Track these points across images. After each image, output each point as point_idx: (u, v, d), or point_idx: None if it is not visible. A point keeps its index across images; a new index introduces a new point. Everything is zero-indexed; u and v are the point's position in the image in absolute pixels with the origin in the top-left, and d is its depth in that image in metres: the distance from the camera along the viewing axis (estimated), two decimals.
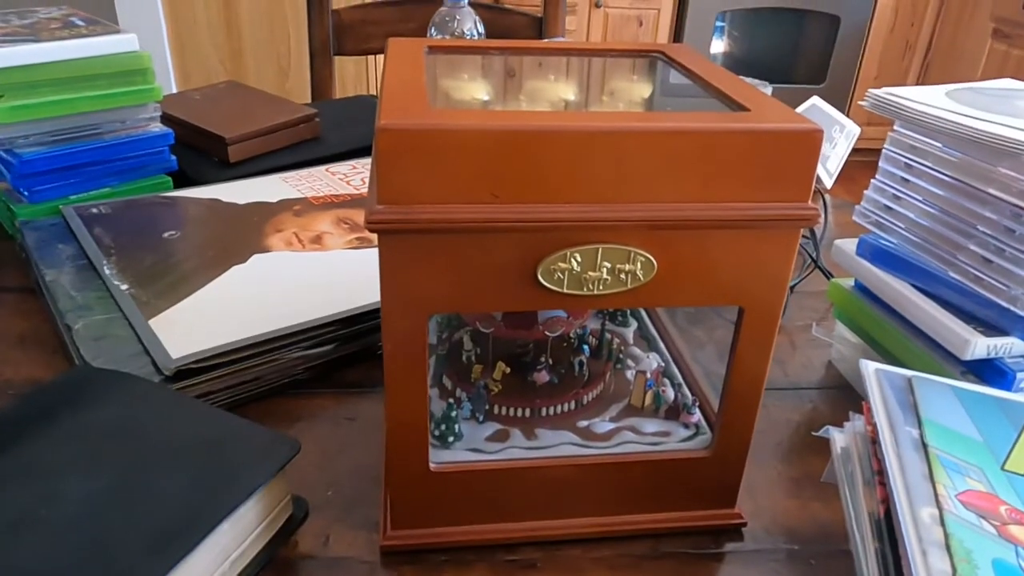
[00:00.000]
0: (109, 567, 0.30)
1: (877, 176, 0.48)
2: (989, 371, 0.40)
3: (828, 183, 0.84)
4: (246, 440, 0.37)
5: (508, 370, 0.40)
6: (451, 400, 0.39)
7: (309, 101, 1.01)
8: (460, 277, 0.31)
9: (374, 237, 0.54)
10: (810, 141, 0.30)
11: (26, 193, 0.63)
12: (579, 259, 0.31)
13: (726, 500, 0.39)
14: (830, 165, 0.83)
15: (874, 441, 0.32)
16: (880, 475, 0.30)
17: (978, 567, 0.26)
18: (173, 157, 0.71)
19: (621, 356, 0.44)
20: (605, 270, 0.31)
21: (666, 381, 0.42)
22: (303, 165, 0.76)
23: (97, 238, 0.59)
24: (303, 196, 0.69)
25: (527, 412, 0.39)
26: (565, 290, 0.31)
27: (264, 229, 0.62)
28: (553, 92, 0.40)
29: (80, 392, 0.39)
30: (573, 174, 0.29)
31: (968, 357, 0.40)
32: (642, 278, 0.31)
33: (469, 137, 0.28)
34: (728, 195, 0.30)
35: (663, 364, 0.44)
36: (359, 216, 0.65)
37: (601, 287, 0.31)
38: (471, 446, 0.38)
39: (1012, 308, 0.39)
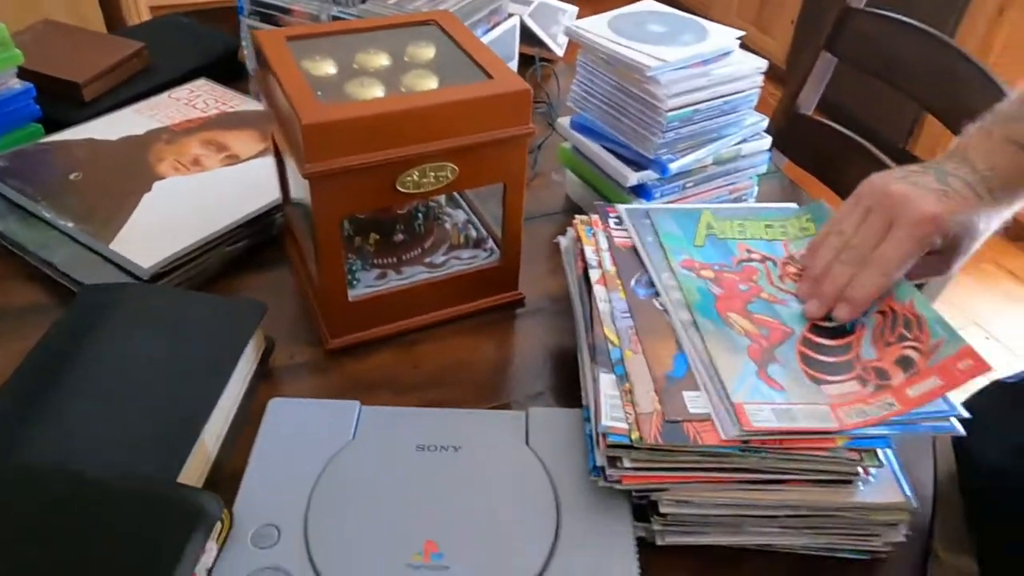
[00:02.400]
0: (185, 390, 0.54)
1: (575, 78, 0.77)
2: (642, 190, 0.73)
3: (559, 52, 1.13)
4: (232, 308, 0.61)
5: (378, 237, 0.67)
6: (350, 260, 0.65)
7: (104, 25, 1.10)
8: (357, 193, 0.56)
9: (241, 154, 0.76)
10: (525, 95, 0.58)
11: None
12: (416, 174, 0.57)
13: (512, 287, 0.70)
14: (560, 39, 1.12)
15: (578, 239, 0.63)
16: (580, 256, 0.61)
17: (691, 291, 0.55)
18: (37, 106, 0.84)
19: (440, 216, 0.72)
20: (431, 177, 0.58)
21: (469, 226, 0.71)
22: (146, 95, 0.92)
23: (18, 189, 0.74)
24: (164, 125, 0.86)
25: (394, 259, 0.67)
26: (411, 191, 0.58)
27: (148, 160, 0.81)
28: (375, 61, 0.63)
29: (105, 301, 0.60)
30: (408, 131, 0.55)
31: (628, 184, 0.72)
32: (450, 177, 0.59)
33: (352, 121, 0.53)
34: (488, 127, 0.58)
35: (467, 216, 0.72)
36: (222, 137, 0.84)
37: (429, 187, 0.58)
38: (367, 284, 0.65)
39: (646, 154, 0.71)
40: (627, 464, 0.47)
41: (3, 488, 0.44)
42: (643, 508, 0.49)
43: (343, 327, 0.64)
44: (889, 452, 0.49)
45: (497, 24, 0.94)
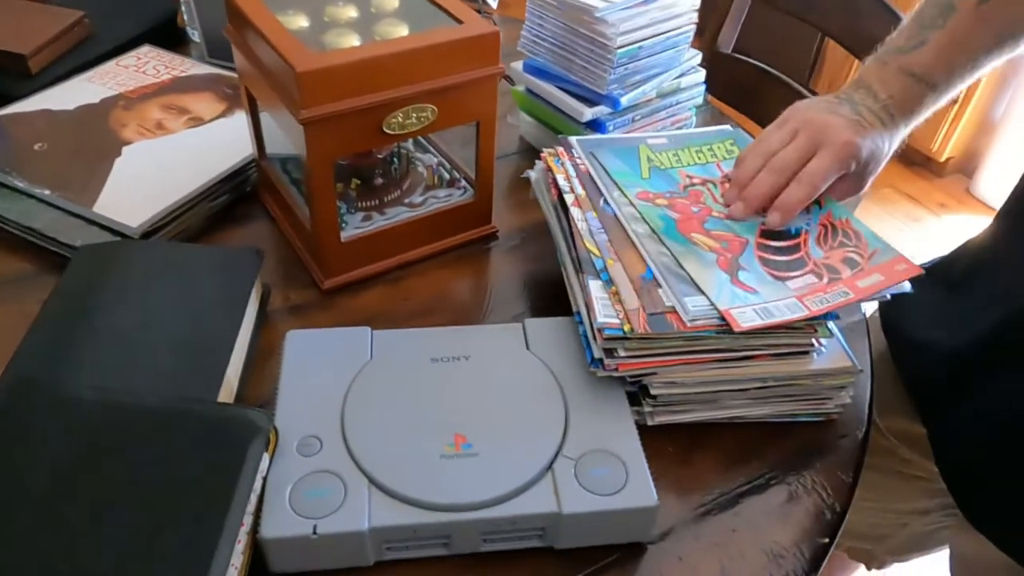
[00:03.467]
0: (203, 332, 0.58)
1: (525, 23, 0.82)
2: (596, 125, 0.79)
3: (494, 4, 1.17)
4: (230, 256, 0.65)
5: (359, 182, 0.71)
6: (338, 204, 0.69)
7: None
8: (347, 137, 0.61)
9: (204, 116, 0.78)
10: (493, 37, 0.63)
11: None
12: (401, 116, 0.62)
13: (486, 221, 0.75)
14: None
15: (548, 170, 0.69)
16: (553, 184, 0.67)
17: (654, 220, 0.61)
18: None
19: (413, 160, 0.76)
20: (414, 118, 0.63)
21: (441, 168, 0.76)
22: (93, 64, 0.91)
23: None
24: (118, 92, 0.87)
25: (377, 201, 0.71)
26: (396, 132, 0.62)
27: (111, 126, 0.81)
28: (345, 14, 0.67)
29: (105, 259, 0.63)
30: (393, 74, 0.59)
31: (583, 120, 0.78)
32: (431, 118, 0.63)
33: (342, 67, 0.57)
34: (463, 68, 0.63)
35: (438, 158, 0.77)
36: (181, 101, 0.86)
37: (412, 127, 0.63)
38: (355, 226, 0.69)
39: (598, 91, 0.77)
40: (622, 353, 0.54)
41: (49, 420, 0.47)
42: (634, 395, 0.56)
43: (336, 267, 0.68)
44: (835, 326, 0.58)
45: None
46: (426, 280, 0.71)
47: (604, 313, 0.54)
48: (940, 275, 0.71)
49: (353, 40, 0.63)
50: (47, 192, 0.72)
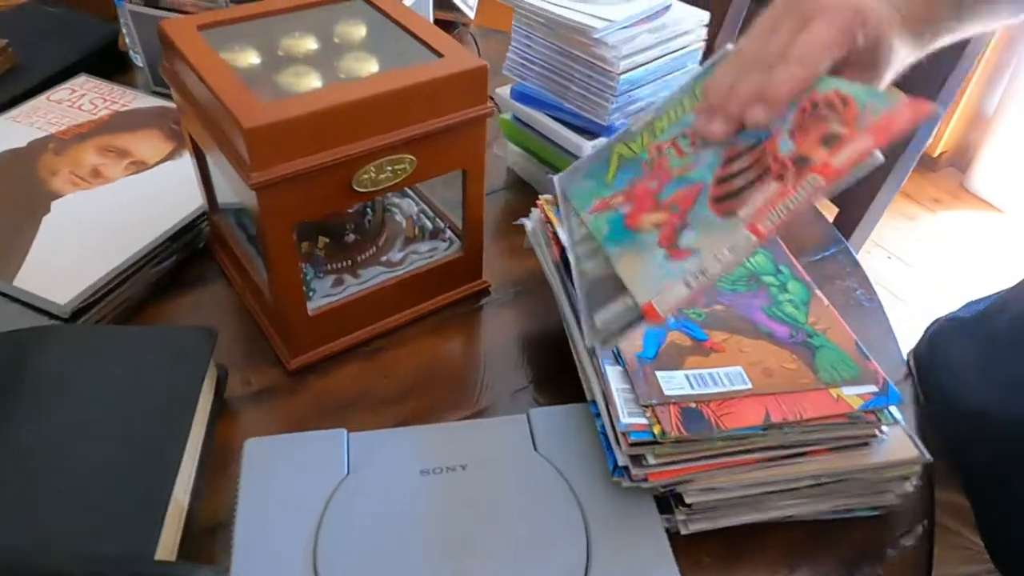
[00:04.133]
0: (144, 442, 0.48)
1: (512, 43, 0.72)
2: None
3: (471, 14, 1.07)
4: (177, 339, 0.54)
5: (327, 240, 0.61)
6: (302, 269, 0.59)
7: None
8: (310, 198, 0.51)
9: (148, 159, 0.68)
10: (481, 72, 0.53)
11: None
12: (373, 170, 0.52)
13: (476, 276, 0.66)
14: (471, 2, 1.06)
15: (547, 222, 0.59)
16: (554, 238, 0.58)
17: (600, 229, 0.49)
18: None
19: (390, 209, 0.66)
20: (389, 171, 0.53)
21: (422, 216, 0.66)
22: (20, 100, 0.80)
23: None
24: (48, 133, 0.76)
25: (349, 262, 0.61)
26: (369, 189, 0.53)
27: (39, 176, 0.71)
28: (303, 46, 0.57)
29: (25, 350, 0.52)
30: (363, 123, 0.49)
31: (583, 155, 0.69)
32: (409, 169, 0.54)
33: (300, 120, 0.47)
34: (446, 110, 0.53)
35: (418, 205, 0.67)
36: (121, 141, 0.75)
37: (387, 183, 0.53)
38: (324, 294, 0.59)
39: (599, 121, 0.68)
40: (652, 461, 0.44)
41: None
42: (664, 499, 0.47)
43: (304, 344, 0.58)
44: (897, 411, 0.49)
45: None
46: (409, 351, 0.61)
47: (628, 411, 0.45)
48: (984, 326, 0.62)
49: (313, 81, 0.53)
50: None
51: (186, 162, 0.73)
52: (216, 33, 0.56)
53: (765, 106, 0.44)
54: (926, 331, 0.73)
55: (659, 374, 0.47)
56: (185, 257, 0.66)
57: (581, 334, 0.52)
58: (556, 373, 0.59)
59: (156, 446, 0.48)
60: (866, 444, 0.48)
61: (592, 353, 0.50)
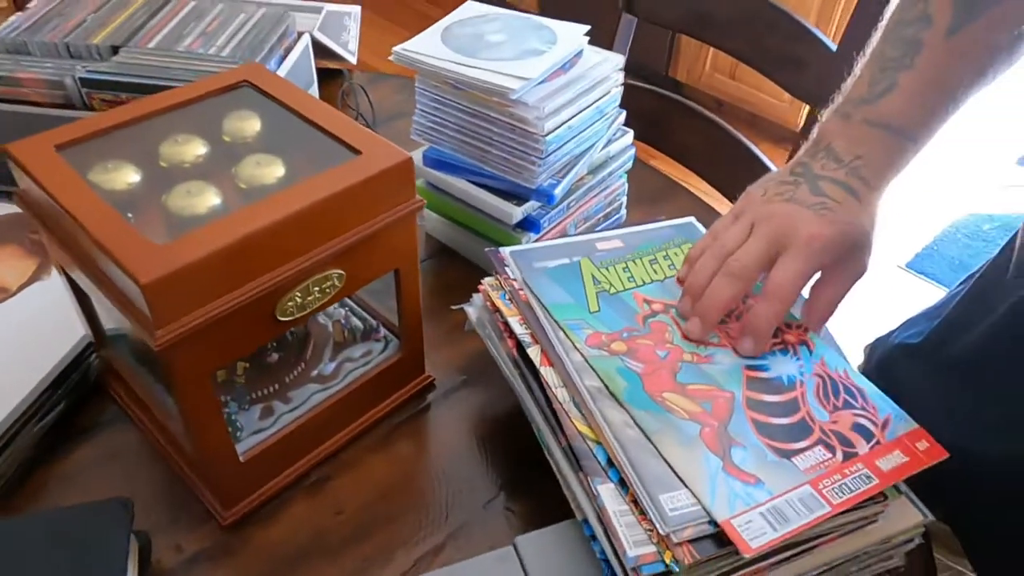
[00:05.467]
0: None
1: (417, 106, 0.66)
2: (528, 224, 0.65)
3: (353, 60, 1.00)
4: (82, 521, 0.45)
5: (247, 365, 0.53)
6: (224, 408, 0.51)
7: None
8: (228, 341, 0.43)
9: (10, 285, 0.59)
10: (407, 165, 0.47)
11: None
12: (299, 295, 0.45)
13: (419, 372, 0.59)
14: (351, 46, 0.99)
15: (495, 310, 0.54)
16: (506, 330, 0.52)
17: (613, 378, 0.47)
18: None
19: (314, 316, 0.59)
20: (316, 292, 0.46)
21: (351, 317, 0.59)
22: None
23: None
24: None
25: (276, 386, 0.54)
26: (295, 316, 0.45)
27: None
28: (189, 152, 0.49)
29: None
30: (284, 246, 0.42)
31: (514, 222, 0.64)
32: (338, 285, 0.47)
33: (208, 259, 0.39)
34: (374, 213, 0.46)
35: (344, 306, 0.60)
36: None
37: (315, 304, 0.46)
38: (252, 430, 0.51)
39: (527, 185, 0.63)
40: None
41: None
42: None
43: (237, 493, 0.50)
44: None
45: (290, 49, 0.79)
46: (359, 476, 0.54)
47: (634, 541, 0.40)
48: (937, 355, 0.62)
49: (211, 198, 0.45)
50: None
51: (56, 282, 0.62)
52: (79, 151, 0.47)
53: (751, 340, 0.51)
54: (869, 355, 0.72)
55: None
56: (74, 401, 0.57)
57: (557, 443, 0.48)
58: (526, 472, 0.54)
59: None
60: (875, 521, 0.45)
61: (575, 466, 0.45)
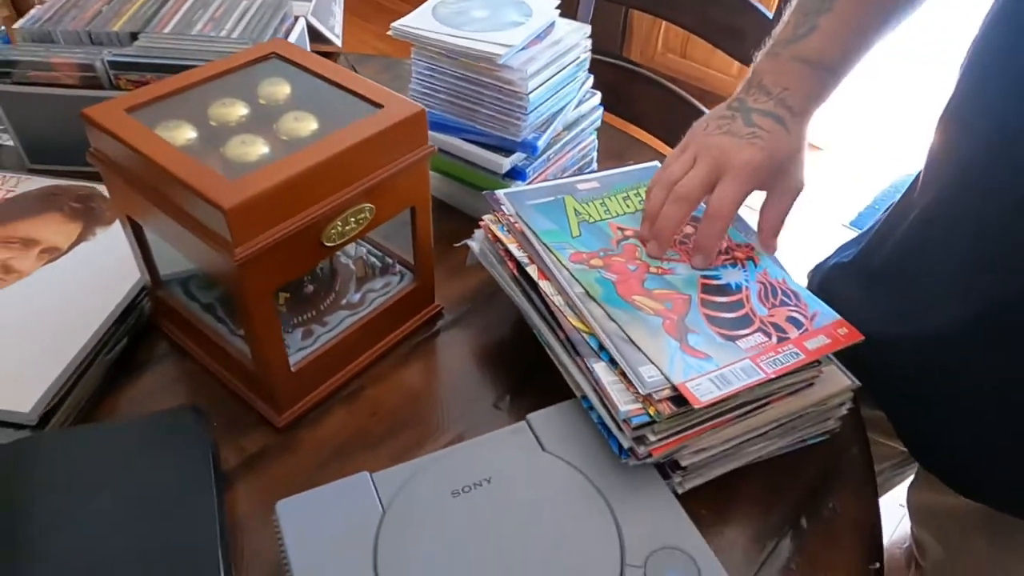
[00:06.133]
0: (174, 537, 0.48)
1: (413, 76, 0.76)
2: (514, 173, 0.75)
3: (339, 43, 1.08)
4: (162, 427, 0.55)
5: (287, 295, 0.62)
6: None
7: None
8: (286, 262, 0.52)
9: (60, 244, 0.67)
10: (420, 116, 0.57)
11: None
12: (340, 224, 0.54)
13: (430, 301, 0.69)
14: (337, 30, 1.07)
15: (496, 240, 0.64)
16: (507, 255, 0.63)
17: (591, 285, 0.58)
18: None
19: (336, 255, 0.68)
20: (352, 222, 0.55)
21: (371, 257, 0.69)
22: None
23: None
24: None
25: (313, 312, 0.63)
26: (337, 242, 0.55)
27: None
28: (234, 114, 0.58)
29: (11, 470, 0.51)
30: (330, 182, 0.52)
31: (503, 172, 0.74)
32: (369, 217, 0.56)
33: (275, 190, 0.49)
34: (396, 157, 0.56)
35: (364, 246, 0.70)
36: (22, 230, 0.71)
37: (352, 233, 0.56)
38: (297, 347, 0.61)
39: (513, 138, 0.73)
40: (652, 438, 0.51)
41: None
42: (660, 467, 0.54)
43: (289, 400, 0.60)
44: None
45: (289, 32, 0.88)
46: (388, 386, 0.64)
47: (624, 401, 0.51)
48: (864, 268, 0.73)
49: (261, 147, 0.54)
50: None
51: (101, 242, 0.71)
52: (144, 114, 0.55)
53: (701, 256, 0.62)
54: (810, 279, 0.84)
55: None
56: (133, 338, 0.65)
57: (556, 338, 0.58)
58: (529, 376, 0.64)
59: (189, 537, 0.48)
60: (811, 384, 0.57)
61: (572, 353, 0.56)
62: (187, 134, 0.55)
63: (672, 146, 1.03)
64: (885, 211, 0.78)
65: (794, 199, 0.65)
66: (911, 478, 0.81)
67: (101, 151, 0.56)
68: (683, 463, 0.53)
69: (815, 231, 1.88)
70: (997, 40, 0.57)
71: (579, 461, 0.52)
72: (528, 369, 0.65)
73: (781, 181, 0.63)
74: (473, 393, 0.64)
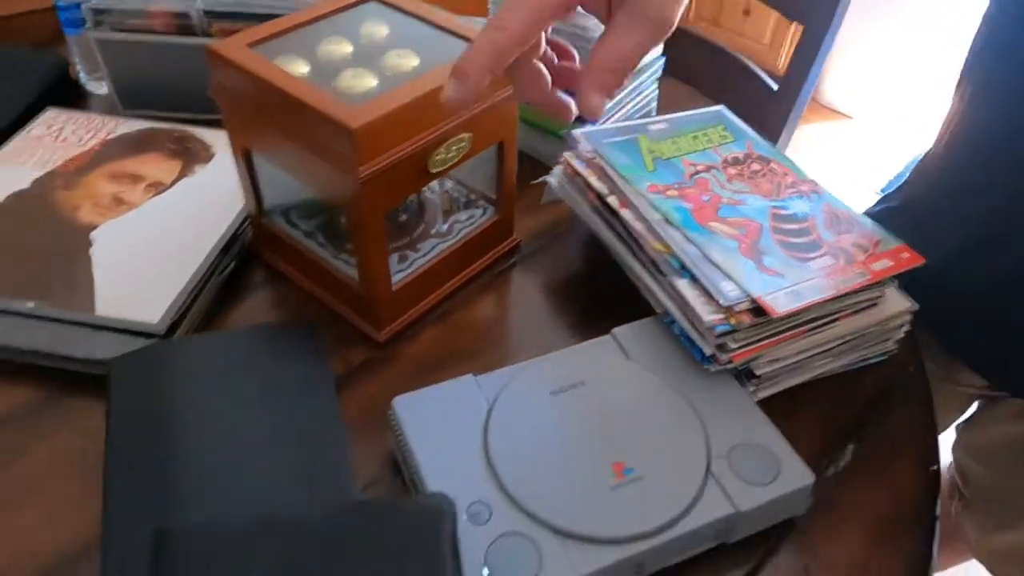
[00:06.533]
0: (307, 429, 0.54)
1: None
2: (582, 121, 0.79)
3: None
4: (286, 337, 0.60)
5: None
6: None
7: None
8: (398, 184, 0.57)
9: (164, 180, 0.71)
10: None
11: None
12: (443, 151, 0.59)
13: (510, 233, 0.74)
14: None
15: (575, 174, 0.68)
16: (587, 187, 0.67)
17: (669, 212, 0.62)
18: None
19: (423, 190, 0.73)
20: (454, 151, 0.60)
21: (456, 192, 0.73)
22: None
23: None
24: (48, 170, 0.76)
25: (407, 239, 0.68)
26: (440, 168, 0.60)
27: (62, 212, 0.72)
28: (340, 51, 0.62)
29: (153, 368, 0.56)
30: (436, 111, 0.57)
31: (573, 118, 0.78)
32: (467, 147, 0.61)
33: (393, 114, 0.53)
34: (490, 91, 0.61)
35: (450, 182, 0.75)
36: (129, 167, 0.77)
37: (451, 161, 0.61)
38: (395, 270, 0.66)
39: None
40: (733, 346, 0.55)
41: (219, 565, 0.42)
42: (737, 376, 0.59)
43: (389, 317, 0.65)
44: None
45: None
46: (473, 310, 0.69)
47: (709, 311, 0.56)
48: (908, 213, 0.78)
49: (370, 80, 0.59)
50: (30, 305, 0.63)
51: (200, 178, 0.76)
52: (262, 49, 0.60)
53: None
54: None
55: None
56: (238, 264, 0.71)
57: (638, 261, 0.63)
58: (602, 303, 0.69)
59: (318, 428, 0.54)
60: (875, 304, 0.61)
61: (655, 273, 0.60)
62: (302, 68, 0.60)
63: (719, 102, 1.06)
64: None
65: (651, 35, 0.43)
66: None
67: (224, 84, 0.61)
68: (757, 372, 0.58)
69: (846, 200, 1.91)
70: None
71: (659, 369, 0.57)
72: (601, 297, 0.69)
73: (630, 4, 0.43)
74: (552, 317, 0.69)
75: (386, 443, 0.57)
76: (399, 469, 0.55)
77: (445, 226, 0.70)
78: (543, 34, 0.48)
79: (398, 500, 0.48)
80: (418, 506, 0.45)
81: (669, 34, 0.44)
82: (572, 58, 0.52)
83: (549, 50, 0.50)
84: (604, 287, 0.70)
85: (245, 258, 0.72)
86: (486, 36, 0.43)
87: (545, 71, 0.49)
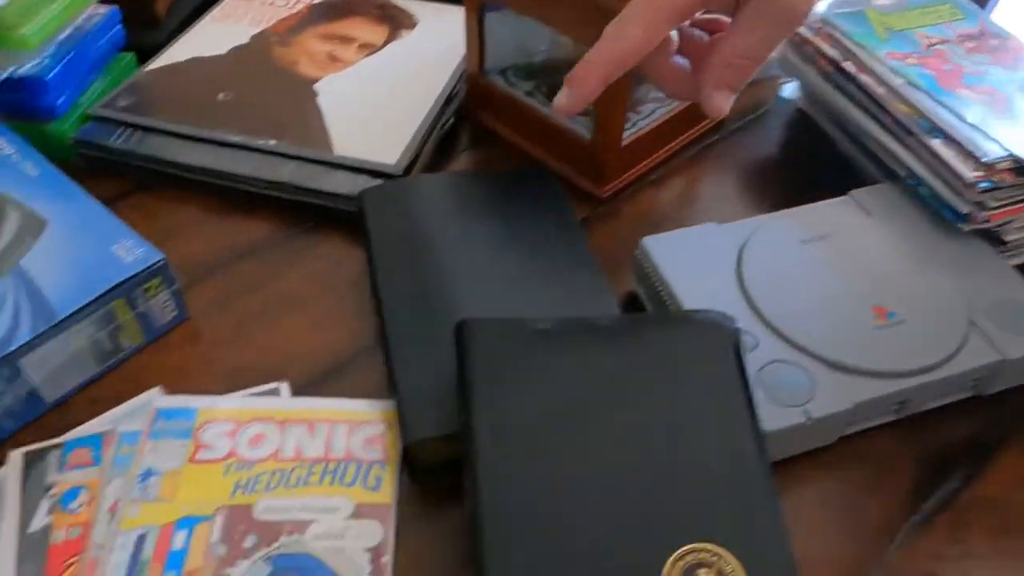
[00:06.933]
0: (566, 262, 0.56)
1: None
2: None
3: None
4: (523, 178, 0.61)
5: None
6: None
7: None
8: None
9: (374, 42, 0.73)
10: None
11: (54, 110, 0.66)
12: None
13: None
14: None
15: (804, 42, 0.67)
16: (817, 53, 0.66)
17: (913, 78, 0.60)
18: (122, 31, 0.74)
19: None
20: None
21: None
22: (211, 3, 0.82)
23: (172, 122, 0.67)
24: (262, 28, 0.79)
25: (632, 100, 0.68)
26: None
27: (282, 65, 0.74)
28: None
29: (404, 200, 0.59)
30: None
31: None
32: None
33: None
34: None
35: None
36: (339, 29, 0.78)
37: None
38: None
39: None
40: (993, 204, 0.54)
41: (528, 358, 0.44)
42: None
43: (612, 174, 0.66)
44: None
45: None
46: (688, 175, 0.69)
47: (969, 168, 0.55)
48: None
49: None
50: (272, 142, 0.65)
51: (408, 42, 0.77)
52: None
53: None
54: None
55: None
56: (455, 122, 0.72)
57: (880, 125, 0.62)
58: (821, 170, 0.69)
59: (567, 255, 0.56)
60: None
61: (902, 134, 0.59)
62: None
63: None
64: None
65: (779, 29, 0.42)
66: None
67: None
68: (1006, 238, 0.57)
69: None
70: None
71: (907, 228, 0.57)
72: (809, 173, 0.69)
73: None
74: (760, 190, 0.69)
75: (619, 291, 0.58)
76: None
77: (660, 94, 0.70)
78: (672, 33, 0.45)
79: (684, 311, 0.50)
80: (706, 316, 0.46)
81: (799, 27, 0.43)
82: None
83: (697, 32, 0.48)
84: (810, 165, 0.69)
85: (458, 120, 0.73)
86: (604, 46, 0.43)
87: (686, 67, 0.47)
